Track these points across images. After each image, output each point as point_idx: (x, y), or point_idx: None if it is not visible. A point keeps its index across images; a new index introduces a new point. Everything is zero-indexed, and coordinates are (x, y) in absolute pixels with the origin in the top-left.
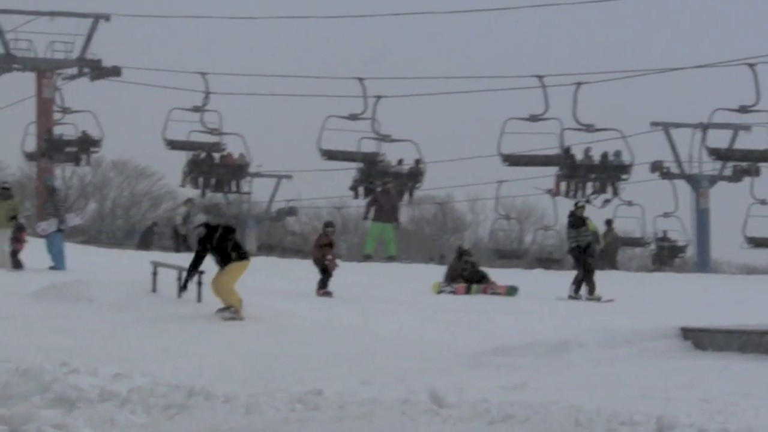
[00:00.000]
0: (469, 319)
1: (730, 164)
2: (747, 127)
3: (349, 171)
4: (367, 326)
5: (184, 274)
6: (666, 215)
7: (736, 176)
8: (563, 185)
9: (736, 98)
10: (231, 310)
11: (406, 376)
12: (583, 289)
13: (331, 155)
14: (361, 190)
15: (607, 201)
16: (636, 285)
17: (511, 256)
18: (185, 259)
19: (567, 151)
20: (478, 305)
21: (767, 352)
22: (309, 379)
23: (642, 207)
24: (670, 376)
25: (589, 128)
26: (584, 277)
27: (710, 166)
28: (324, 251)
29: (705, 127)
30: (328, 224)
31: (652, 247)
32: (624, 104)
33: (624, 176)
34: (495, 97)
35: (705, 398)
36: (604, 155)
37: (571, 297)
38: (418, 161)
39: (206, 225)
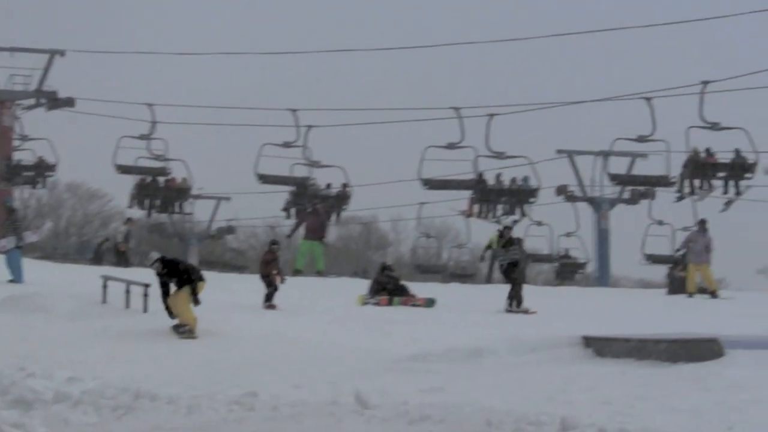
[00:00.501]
0: (391, 328)
1: (629, 188)
2: (644, 155)
3: (283, 194)
4: (299, 335)
5: (132, 287)
6: (568, 235)
7: (634, 199)
8: (476, 207)
9: (634, 128)
10: (186, 328)
11: (334, 380)
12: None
13: (266, 179)
14: (293, 211)
15: (515, 222)
16: (542, 297)
17: (430, 271)
18: (131, 273)
19: (480, 176)
20: (400, 316)
21: (661, 359)
22: (245, 383)
23: (550, 226)
24: (573, 381)
25: (500, 156)
26: (513, 291)
27: (610, 190)
28: (270, 267)
29: (606, 155)
30: (274, 242)
31: (555, 263)
32: (532, 134)
33: (531, 200)
34: (416, 126)
35: (605, 401)
36: (513, 180)
37: (507, 311)
38: (345, 185)
39: (161, 260)
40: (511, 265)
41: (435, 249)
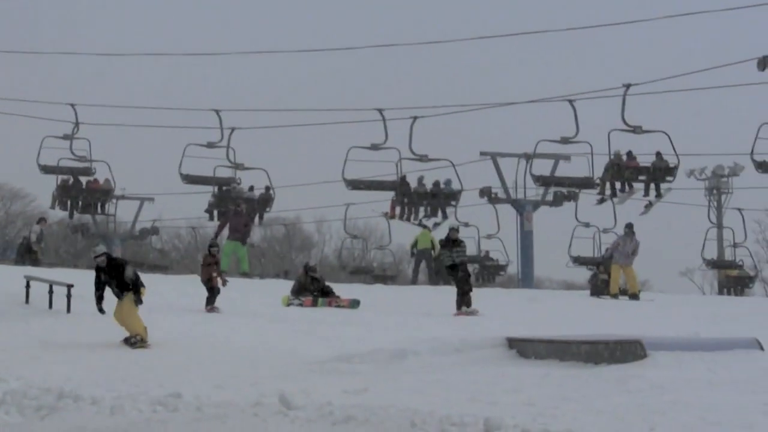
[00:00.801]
0: (316, 329)
1: (552, 190)
2: (567, 157)
3: (206, 195)
4: (224, 336)
5: (55, 287)
6: (489, 236)
7: (557, 201)
8: (398, 209)
9: (557, 130)
10: (137, 338)
11: (258, 381)
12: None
13: (190, 180)
14: (215, 213)
15: (437, 224)
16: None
17: (359, 272)
18: (54, 274)
19: (403, 178)
20: (324, 317)
21: (584, 360)
22: (169, 384)
23: (477, 228)
24: (496, 382)
25: (423, 158)
26: (461, 292)
27: (534, 192)
28: (210, 270)
29: (529, 157)
30: (213, 245)
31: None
32: (456, 136)
33: (453, 202)
34: (340, 128)
35: (528, 402)
36: (436, 183)
37: (457, 314)
38: (268, 188)
39: (107, 255)
40: (455, 267)
41: (359, 250)
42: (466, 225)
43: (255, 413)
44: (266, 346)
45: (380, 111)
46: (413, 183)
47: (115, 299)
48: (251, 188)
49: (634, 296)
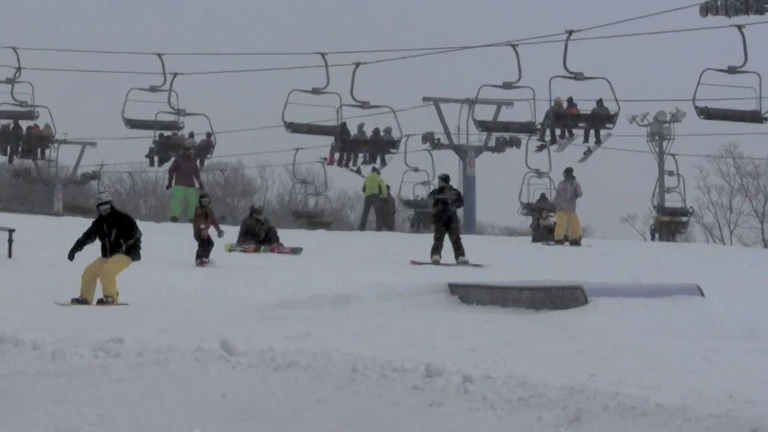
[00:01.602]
0: (258, 275)
1: (494, 136)
2: (509, 103)
3: (148, 140)
4: (165, 281)
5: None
6: (424, 183)
7: (500, 147)
8: (337, 155)
9: (500, 76)
10: (108, 299)
11: (199, 327)
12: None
13: (133, 124)
14: (156, 159)
15: (375, 169)
16: (410, 244)
17: (306, 216)
18: None
19: (343, 125)
20: (267, 263)
21: (525, 306)
22: (110, 328)
23: (427, 172)
24: (438, 328)
25: (364, 105)
26: (441, 240)
27: (476, 138)
28: (198, 222)
29: (472, 102)
30: (203, 195)
31: (409, 212)
32: (399, 82)
33: (392, 150)
34: (283, 73)
35: (470, 347)
36: (376, 131)
37: (435, 262)
38: (209, 134)
39: (112, 206)
40: (441, 211)
41: (303, 195)
42: (416, 170)
43: (196, 358)
44: (208, 293)
45: (323, 55)
46: (353, 129)
47: (90, 253)
48: (191, 134)
49: (575, 242)
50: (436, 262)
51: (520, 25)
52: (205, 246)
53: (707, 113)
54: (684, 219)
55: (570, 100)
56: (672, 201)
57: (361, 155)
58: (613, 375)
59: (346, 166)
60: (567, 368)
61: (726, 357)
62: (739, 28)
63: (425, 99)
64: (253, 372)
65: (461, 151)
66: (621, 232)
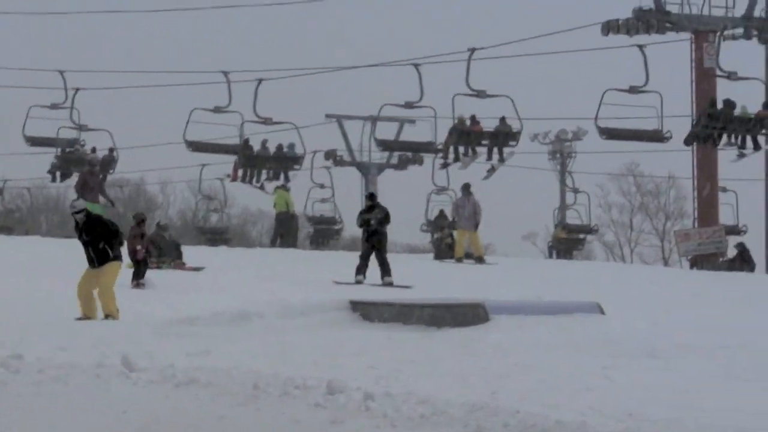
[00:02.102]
0: (160, 293)
1: (396, 154)
2: (412, 121)
3: (50, 155)
4: (66, 295)
5: None
6: (323, 201)
7: (402, 165)
8: (240, 172)
9: (403, 94)
10: (109, 320)
11: (101, 343)
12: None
13: (33, 141)
14: (58, 174)
15: (281, 186)
16: (313, 261)
17: (210, 233)
18: None
19: (246, 141)
20: (169, 279)
21: (427, 324)
22: (10, 344)
23: (333, 189)
24: (340, 345)
25: (267, 121)
26: (367, 260)
27: (378, 156)
28: (134, 242)
29: (374, 120)
30: (141, 217)
31: (310, 228)
32: (302, 99)
33: (296, 166)
34: (186, 90)
35: (371, 365)
36: (279, 147)
37: (358, 282)
38: (111, 149)
39: (87, 214)
40: (369, 229)
41: (204, 211)
42: (321, 186)
43: (97, 375)
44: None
45: (225, 73)
46: (257, 146)
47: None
48: (93, 149)
49: (480, 259)
50: (359, 282)
51: (422, 44)
52: (141, 267)
53: (609, 133)
54: (581, 236)
55: (473, 118)
56: (573, 218)
57: (264, 172)
58: (513, 392)
59: (250, 182)
60: (468, 385)
61: (626, 375)
62: (640, 47)
63: (328, 116)
64: (155, 389)
65: (364, 168)
66: (522, 250)
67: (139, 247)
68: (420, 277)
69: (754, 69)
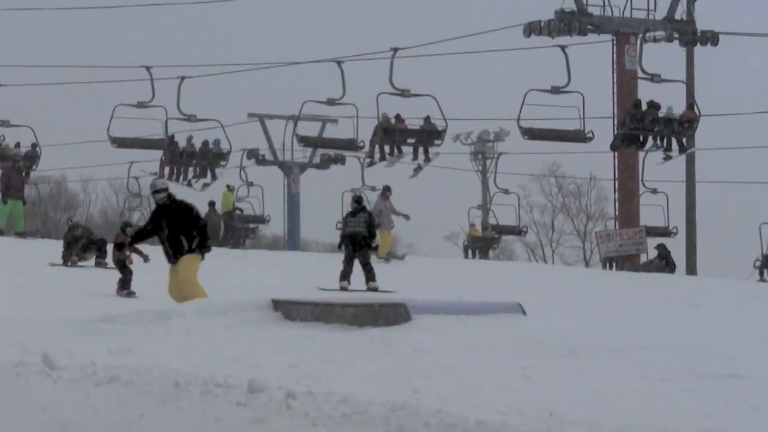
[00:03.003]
0: (82, 289)
1: (319, 153)
2: (334, 120)
3: None
4: None
5: None
6: (239, 200)
7: (325, 164)
8: (167, 169)
9: (326, 92)
10: None
11: (21, 341)
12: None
13: None
14: None
15: (206, 185)
16: (233, 259)
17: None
18: None
19: (171, 137)
20: (89, 277)
21: (348, 323)
22: None
23: (261, 188)
24: (261, 344)
25: (191, 118)
26: (351, 265)
27: (301, 155)
28: (122, 250)
29: (296, 119)
30: (127, 224)
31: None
32: (226, 96)
33: (222, 162)
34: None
35: (293, 364)
36: (205, 143)
37: (343, 288)
38: (34, 145)
39: (169, 194)
40: (351, 237)
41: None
42: (251, 185)
43: (17, 373)
44: (30, 307)
45: (148, 69)
46: (181, 143)
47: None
48: (17, 144)
49: (387, 258)
50: (344, 288)
51: (345, 42)
52: (127, 275)
53: (531, 133)
54: (496, 236)
55: (398, 117)
56: (493, 219)
57: (191, 169)
58: (435, 392)
59: (177, 180)
60: (389, 385)
61: (546, 375)
62: (562, 48)
63: (250, 115)
64: (75, 387)
65: (286, 167)
66: (444, 250)
67: (128, 253)
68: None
69: (675, 72)
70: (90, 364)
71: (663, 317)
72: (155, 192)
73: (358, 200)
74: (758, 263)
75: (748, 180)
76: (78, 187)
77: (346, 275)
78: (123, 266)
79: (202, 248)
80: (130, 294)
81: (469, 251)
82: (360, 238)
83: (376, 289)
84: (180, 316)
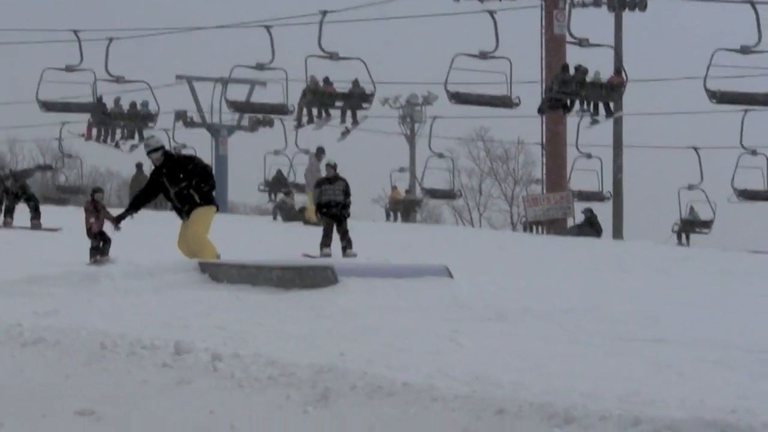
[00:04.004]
0: (8, 250)
1: (247, 115)
2: (263, 83)
3: None
4: None
5: None
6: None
7: (253, 126)
8: (95, 131)
9: (254, 56)
10: None
11: None
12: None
13: None
14: None
15: (134, 146)
16: (158, 224)
17: (71, 192)
18: None
19: (99, 99)
20: (15, 238)
21: (276, 286)
22: None
23: (194, 149)
24: (188, 306)
25: (119, 80)
26: (330, 233)
27: (229, 117)
28: (88, 217)
29: (225, 82)
30: (95, 189)
31: None
32: (154, 58)
33: (150, 124)
34: (35, 49)
35: (220, 326)
36: (133, 104)
37: (323, 255)
38: None
39: (165, 152)
40: (329, 205)
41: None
42: (184, 146)
43: None
44: None
45: (75, 32)
46: (110, 105)
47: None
48: None
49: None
50: (327, 256)
51: (275, 5)
52: (98, 243)
53: (458, 98)
54: (419, 199)
55: (326, 80)
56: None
57: (119, 130)
58: (361, 355)
59: (105, 141)
60: (316, 347)
61: (473, 338)
62: (491, 13)
63: (178, 77)
64: (1, 348)
65: (214, 130)
66: (372, 213)
67: (92, 220)
68: (269, 239)
69: (604, 36)
70: (16, 325)
71: (590, 281)
72: (150, 152)
73: (334, 166)
74: (676, 227)
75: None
76: (5, 148)
77: (327, 243)
78: (92, 235)
79: (208, 200)
80: (97, 262)
81: (391, 214)
82: (340, 208)
83: (355, 256)
84: (108, 278)
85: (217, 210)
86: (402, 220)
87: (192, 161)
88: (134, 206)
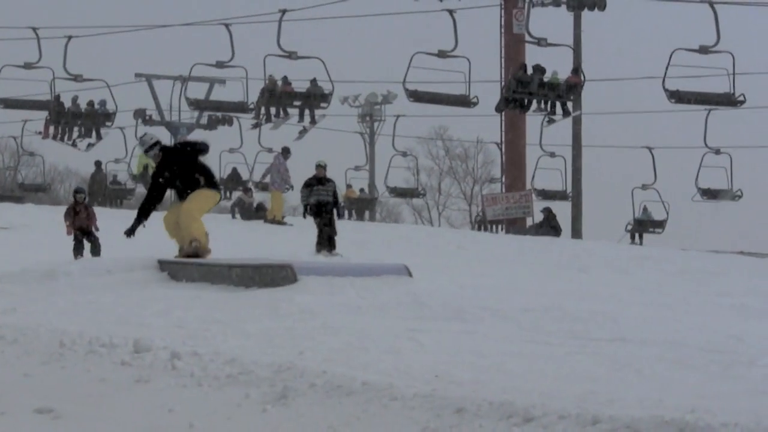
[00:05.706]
0: None
1: (207, 114)
2: (222, 81)
3: None
4: None
5: None
6: (116, 161)
7: (212, 125)
8: (51, 129)
9: (214, 54)
10: (193, 245)
11: None
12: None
13: None
14: None
15: (91, 145)
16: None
17: (30, 189)
18: None
19: (57, 98)
20: None
21: (235, 284)
22: None
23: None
24: (147, 304)
25: (77, 78)
26: (321, 236)
27: (188, 115)
28: (68, 218)
29: (184, 80)
30: (77, 190)
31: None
32: (113, 57)
33: (108, 123)
34: None
35: (179, 324)
36: (90, 103)
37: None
38: None
39: (162, 147)
40: (320, 206)
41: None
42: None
43: None
44: None
45: (34, 29)
46: (67, 103)
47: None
48: None
49: (279, 221)
50: (324, 256)
51: (235, 4)
52: (80, 244)
53: (417, 96)
54: (375, 197)
55: (285, 79)
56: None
57: (76, 129)
58: (320, 353)
59: (62, 139)
60: (275, 346)
61: (432, 337)
62: (450, 12)
63: (137, 75)
64: None
65: (173, 128)
66: None
67: (67, 224)
68: (228, 237)
69: (563, 36)
70: None
71: (549, 280)
72: (148, 149)
73: (325, 166)
74: (630, 227)
75: (627, 145)
76: None
77: (321, 244)
78: (89, 234)
79: (211, 184)
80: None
81: (346, 212)
82: (330, 208)
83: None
84: (66, 275)
85: (220, 200)
86: (357, 218)
87: (186, 146)
88: (143, 214)
